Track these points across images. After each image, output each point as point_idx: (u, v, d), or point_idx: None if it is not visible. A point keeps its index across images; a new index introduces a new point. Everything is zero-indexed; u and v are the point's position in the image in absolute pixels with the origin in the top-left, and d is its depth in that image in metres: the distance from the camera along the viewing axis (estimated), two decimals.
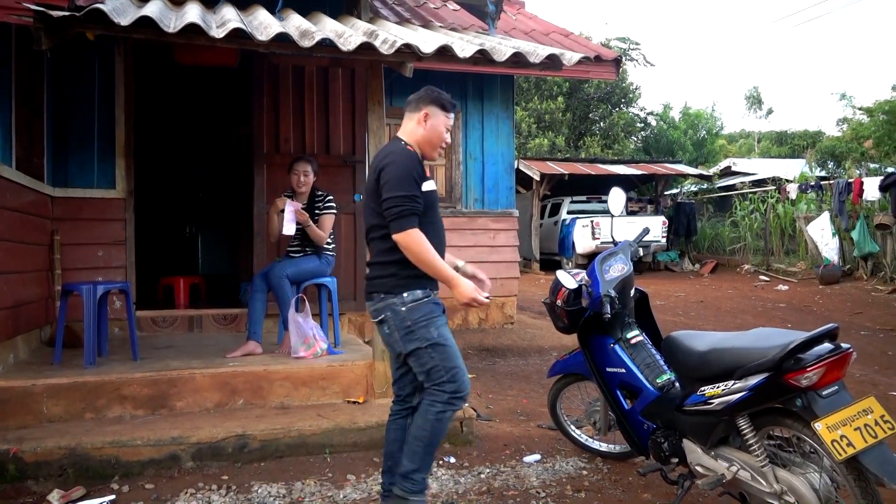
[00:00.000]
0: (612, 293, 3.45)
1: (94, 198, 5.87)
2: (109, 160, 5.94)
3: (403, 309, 2.98)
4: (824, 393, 2.62)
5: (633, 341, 3.56)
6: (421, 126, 3.09)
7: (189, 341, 5.72)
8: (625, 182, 18.91)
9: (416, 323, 2.97)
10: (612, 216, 4.21)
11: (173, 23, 3.71)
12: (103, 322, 4.98)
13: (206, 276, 8.28)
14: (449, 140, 3.19)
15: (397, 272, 2.99)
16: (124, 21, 3.53)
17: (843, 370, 2.67)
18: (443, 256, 3.08)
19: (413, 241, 2.88)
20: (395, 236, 2.89)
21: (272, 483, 3.68)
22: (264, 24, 4.01)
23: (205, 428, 4.01)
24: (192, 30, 3.68)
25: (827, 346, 2.68)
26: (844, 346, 2.67)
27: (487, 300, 2.97)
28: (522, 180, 17.47)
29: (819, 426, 2.52)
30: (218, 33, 3.72)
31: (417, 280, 2.99)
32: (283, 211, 5.10)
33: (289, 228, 5.07)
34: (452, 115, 3.14)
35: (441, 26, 6.02)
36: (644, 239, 4.01)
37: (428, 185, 3.02)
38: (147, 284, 7.03)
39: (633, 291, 3.69)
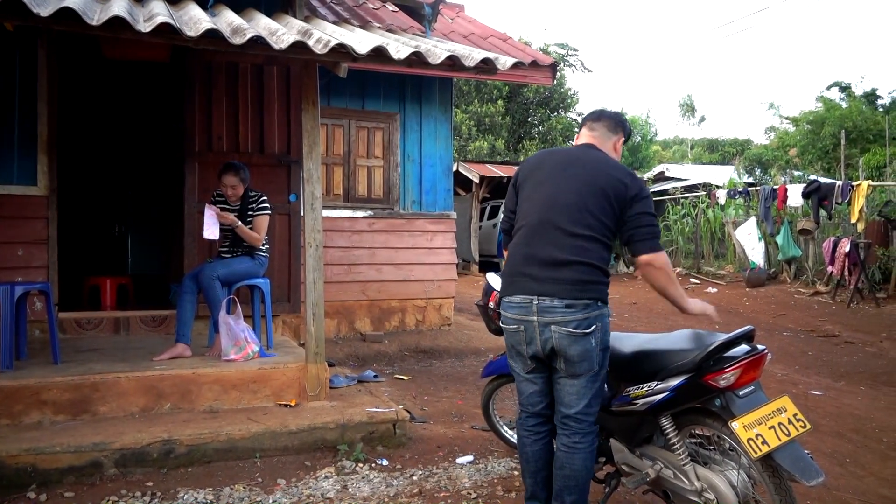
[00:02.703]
0: None
1: (13, 195, 5.63)
2: (31, 156, 5.70)
3: (608, 321, 2.88)
4: (741, 393, 2.71)
5: None
6: (616, 152, 3.12)
7: (115, 344, 5.54)
8: None
9: (606, 342, 2.90)
10: None
11: (97, 15, 3.59)
12: (22, 324, 4.78)
13: (135, 276, 8.04)
14: None
15: (606, 279, 2.86)
16: (44, 12, 3.39)
17: (758, 371, 2.76)
18: None
19: (666, 262, 2.90)
20: (647, 255, 2.85)
21: (199, 489, 3.60)
22: (194, 20, 3.92)
23: (129, 433, 3.89)
24: (118, 23, 3.57)
25: (744, 347, 2.77)
26: (760, 347, 2.78)
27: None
28: (462, 183, 17.57)
29: (736, 425, 2.61)
30: (144, 27, 3.62)
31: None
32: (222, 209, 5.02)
33: (210, 233, 4.97)
34: None
35: (379, 27, 6.01)
36: None
37: None
38: (72, 285, 6.78)
39: None
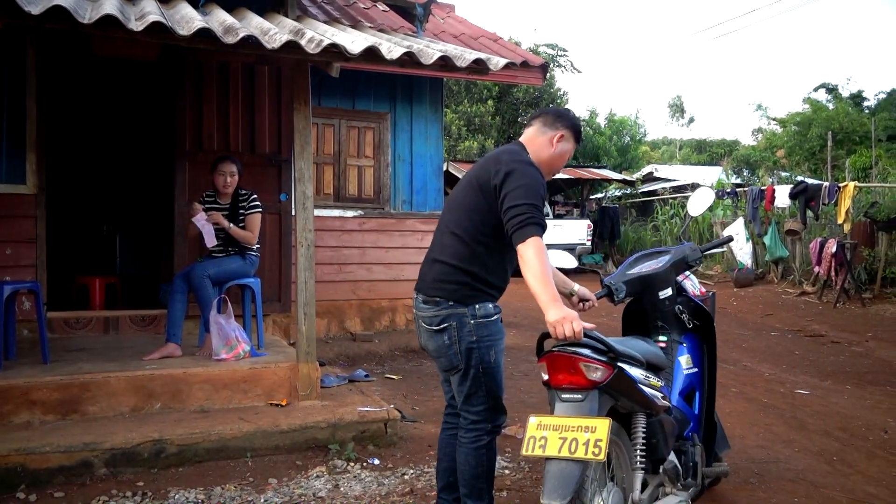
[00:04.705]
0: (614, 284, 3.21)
1: (1, 193, 5.58)
2: (19, 155, 5.67)
3: (472, 322, 2.76)
4: (563, 396, 2.52)
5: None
6: (552, 147, 2.88)
7: (104, 344, 5.51)
8: (552, 185, 19.26)
9: (480, 340, 2.76)
10: (690, 216, 3.92)
11: (89, 13, 3.58)
12: (11, 324, 4.75)
13: (125, 276, 7.99)
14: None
15: (472, 282, 2.75)
16: (35, 10, 3.38)
17: (567, 374, 2.51)
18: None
19: (538, 250, 2.51)
20: (520, 245, 2.54)
21: (190, 489, 3.60)
22: (186, 19, 3.91)
23: (119, 433, 3.88)
24: (109, 22, 3.56)
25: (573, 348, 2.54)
26: (581, 350, 2.52)
27: (579, 333, 2.44)
28: (453, 182, 17.54)
29: (533, 419, 2.47)
30: (136, 26, 3.61)
31: (490, 294, 2.80)
32: (212, 208, 5.02)
33: (209, 240, 5.00)
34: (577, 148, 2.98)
35: (370, 27, 6.01)
36: (716, 248, 3.64)
37: None
38: (61, 284, 6.74)
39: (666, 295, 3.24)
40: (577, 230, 16.45)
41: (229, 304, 4.93)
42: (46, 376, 4.20)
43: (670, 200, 18.68)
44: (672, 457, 2.94)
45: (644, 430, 2.68)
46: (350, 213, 7.60)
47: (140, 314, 6.16)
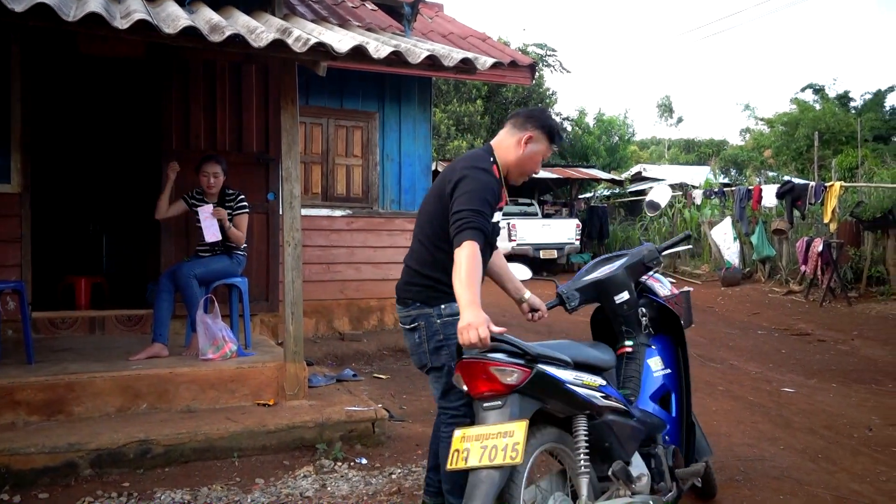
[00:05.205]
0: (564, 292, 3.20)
1: None
2: (4, 153, 5.61)
3: (439, 322, 2.82)
4: (485, 405, 2.49)
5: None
6: (520, 148, 2.85)
7: (90, 343, 5.48)
8: (541, 185, 19.29)
9: (448, 339, 2.79)
10: (649, 216, 3.80)
11: (73, 11, 3.56)
12: None
13: (111, 275, 7.94)
14: (538, 171, 3.02)
15: (436, 285, 2.81)
16: (19, 7, 3.35)
17: (484, 382, 2.47)
18: None
19: (469, 254, 2.50)
20: (455, 249, 2.56)
21: (176, 489, 3.59)
22: (172, 17, 3.89)
23: (105, 433, 3.86)
24: (94, 20, 3.54)
25: (499, 355, 2.49)
26: (491, 355, 2.48)
27: (484, 339, 2.37)
28: None
29: (457, 432, 2.48)
30: (121, 24, 3.59)
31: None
32: (195, 210, 4.99)
33: (212, 235, 4.99)
34: (555, 148, 2.93)
35: (358, 26, 5.99)
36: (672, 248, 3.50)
37: (495, 217, 2.80)
38: (46, 284, 6.69)
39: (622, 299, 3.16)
40: (565, 230, 16.49)
41: (216, 303, 4.91)
42: (31, 377, 4.17)
43: None
44: (638, 460, 2.89)
45: (586, 432, 2.61)
46: (338, 213, 7.58)
47: (126, 314, 6.12)
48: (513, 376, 2.44)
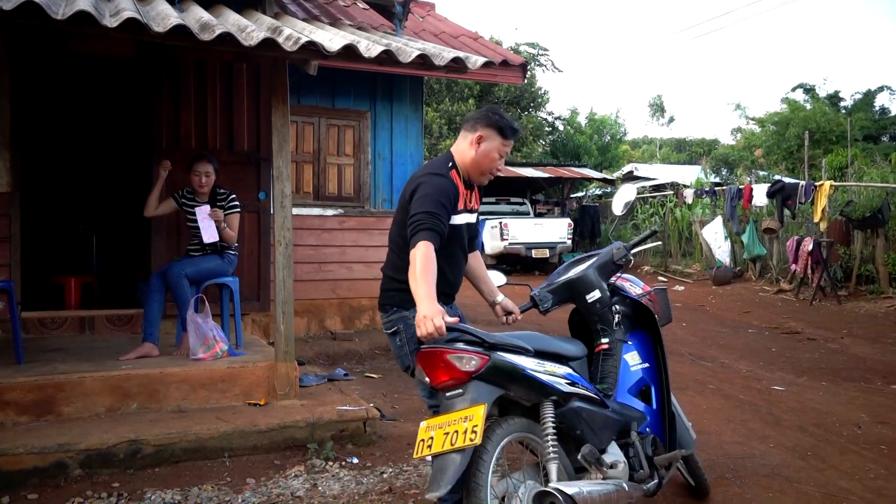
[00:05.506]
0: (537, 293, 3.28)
1: None
2: None
3: (414, 323, 2.84)
4: (447, 395, 2.56)
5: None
6: (473, 148, 2.94)
7: (80, 344, 5.45)
8: (533, 184, 19.32)
9: (417, 343, 2.80)
10: (616, 216, 3.88)
11: (62, 9, 3.54)
12: None
13: (101, 275, 7.91)
14: (502, 167, 3.04)
15: (408, 288, 2.79)
16: (7, 6, 3.34)
17: (443, 371, 2.53)
18: (456, 290, 3.07)
19: (421, 253, 2.61)
20: (411, 249, 2.66)
21: (167, 489, 3.57)
22: (162, 15, 3.88)
23: (95, 434, 3.84)
24: (83, 18, 3.52)
25: (459, 344, 2.57)
26: (447, 344, 2.56)
27: (439, 329, 2.44)
28: None
29: (423, 423, 2.56)
30: (111, 23, 3.57)
31: None
32: (189, 206, 4.97)
33: (209, 236, 4.97)
34: (511, 142, 2.99)
35: (350, 24, 5.98)
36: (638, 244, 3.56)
37: (457, 219, 2.88)
38: (36, 284, 6.66)
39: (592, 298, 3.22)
40: (557, 229, 16.52)
41: (207, 303, 4.90)
42: (20, 377, 4.15)
43: (650, 199, 18.80)
44: (614, 449, 2.93)
45: (553, 418, 2.66)
46: (330, 212, 7.57)
47: (116, 314, 6.09)
48: (471, 363, 2.51)
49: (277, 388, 4.63)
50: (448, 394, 2.55)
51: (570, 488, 2.50)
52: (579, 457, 2.74)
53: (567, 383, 2.75)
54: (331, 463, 4.00)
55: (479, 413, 2.41)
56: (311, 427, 4.26)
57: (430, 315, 2.43)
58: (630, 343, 3.30)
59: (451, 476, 2.37)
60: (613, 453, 2.91)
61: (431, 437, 2.46)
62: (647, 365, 3.31)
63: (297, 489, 3.62)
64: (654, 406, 3.28)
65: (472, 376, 2.51)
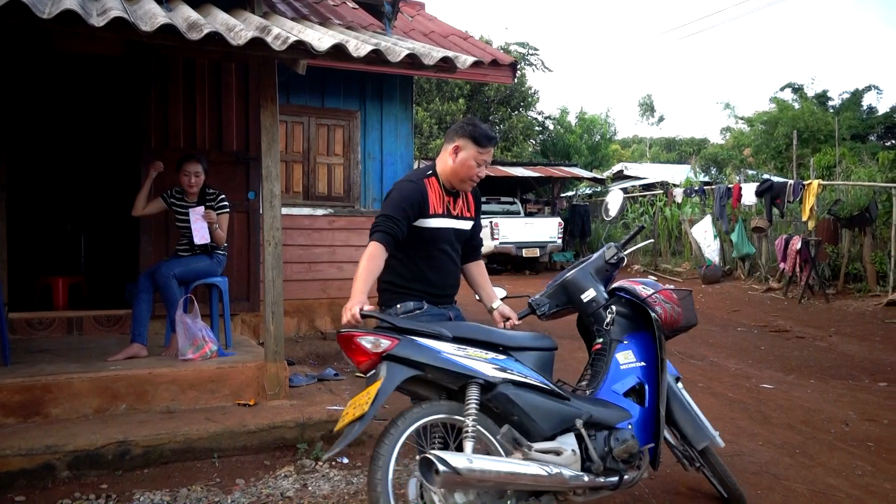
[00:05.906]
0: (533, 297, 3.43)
1: None
2: None
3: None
4: (368, 375, 2.78)
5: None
6: (451, 158, 3.12)
7: (67, 344, 5.42)
8: (523, 184, 19.34)
9: None
10: (608, 220, 3.98)
11: (48, 8, 3.51)
12: None
13: (89, 275, 7.87)
14: (482, 174, 3.17)
15: (391, 288, 3.14)
16: None
17: (359, 354, 2.74)
18: (454, 292, 3.24)
19: (366, 252, 2.92)
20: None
21: (156, 490, 3.56)
22: (149, 14, 3.86)
23: (83, 435, 3.82)
24: (70, 17, 3.50)
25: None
26: (357, 329, 2.76)
27: (354, 316, 2.75)
28: None
29: (350, 402, 2.75)
30: (98, 22, 3.55)
31: (409, 293, 3.11)
32: (178, 206, 4.94)
33: (202, 237, 4.95)
34: (489, 150, 3.13)
35: (339, 24, 5.97)
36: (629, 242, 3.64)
37: (433, 223, 3.08)
38: (23, 284, 6.61)
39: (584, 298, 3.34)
40: (547, 228, 16.55)
41: (196, 303, 4.88)
42: (7, 378, 4.12)
43: (640, 198, 18.85)
44: (567, 438, 2.93)
45: (477, 400, 2.76)
46: (320, 212, 7.56)
47: (105, 314, 6.06)
48: (381, 346, 2.71)
49: (267, 388, 4.61)
50: (368, 374, 2.76)
51: (457, 459, 2.54)
52: (497, 437, 2.83)
53: (494, 368, 2.84)
54: (321, 463, 3.99)
55: (375, 387, 2.63)
56: (301, 427, 4.25)
57: (349, 305, 2.74)
58: (626, 343, 3.33)
59: (344, 440, 2.60)
60: (565, 442, 2.94)
61: (346, 412, 2.67)
62: (642, 364, 3.32)
63: (287, 489, 3.62)
64: (647, 405, 3.28)
65: (382, 357, 2.71)
